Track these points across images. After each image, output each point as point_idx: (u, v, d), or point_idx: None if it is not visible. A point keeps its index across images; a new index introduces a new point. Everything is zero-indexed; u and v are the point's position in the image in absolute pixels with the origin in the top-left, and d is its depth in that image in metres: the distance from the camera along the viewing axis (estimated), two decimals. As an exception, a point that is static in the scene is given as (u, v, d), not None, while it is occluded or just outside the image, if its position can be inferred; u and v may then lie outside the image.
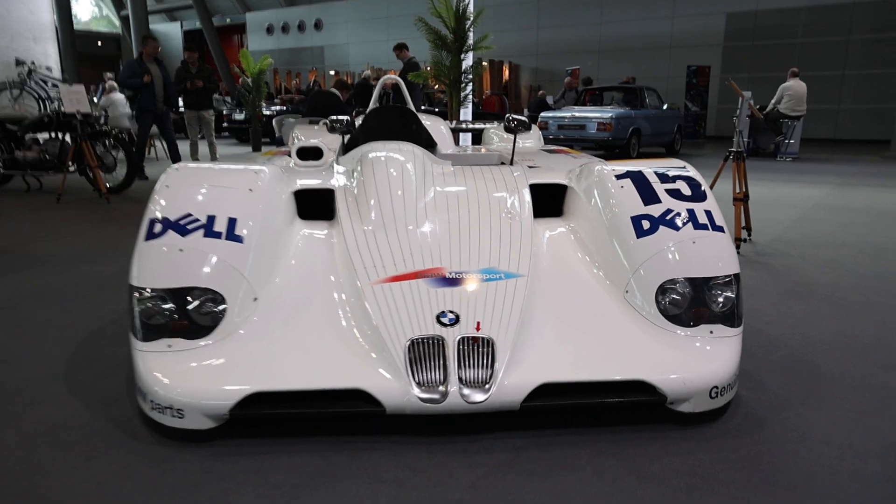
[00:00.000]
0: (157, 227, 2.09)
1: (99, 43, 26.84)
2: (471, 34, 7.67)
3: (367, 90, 9.37)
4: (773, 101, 11.15)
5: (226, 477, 1.69)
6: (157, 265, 2.01)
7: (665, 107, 12.39)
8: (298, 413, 1.83)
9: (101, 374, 2.35)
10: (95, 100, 13.53)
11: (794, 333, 2.80)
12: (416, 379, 1.82)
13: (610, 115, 10.62)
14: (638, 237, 2.20)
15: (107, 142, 6.99)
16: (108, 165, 7.01)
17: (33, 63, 8.21)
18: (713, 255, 2.14)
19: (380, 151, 2.74)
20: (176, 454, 1.79)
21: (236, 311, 2.01)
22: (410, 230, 2.36)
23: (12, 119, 7.05)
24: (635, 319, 2.09)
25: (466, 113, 8.09)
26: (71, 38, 16.80)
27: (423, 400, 1.80)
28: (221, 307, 1.98)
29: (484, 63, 7.84)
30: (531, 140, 4.30)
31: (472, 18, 7.65)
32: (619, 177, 2.42)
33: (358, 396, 1.83)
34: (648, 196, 2.31)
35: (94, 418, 2.01)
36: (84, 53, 21.28)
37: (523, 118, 3.10)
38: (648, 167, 2.46)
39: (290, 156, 3.27)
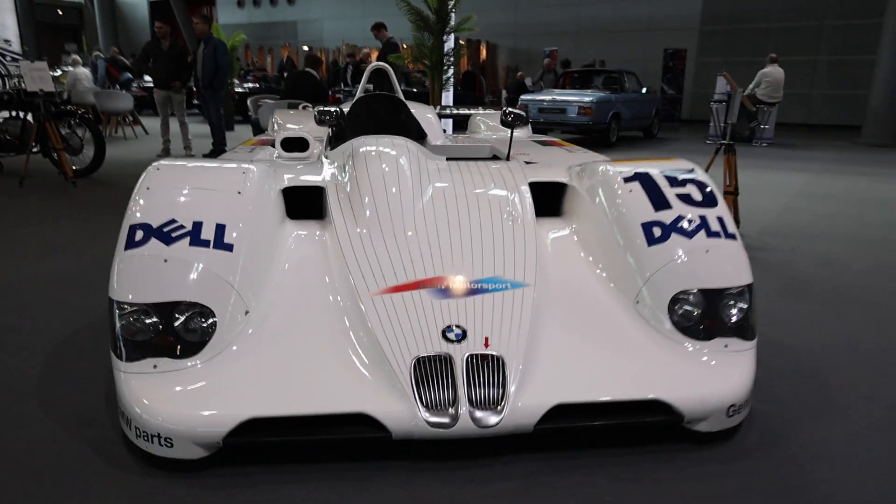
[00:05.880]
0: (139, 235, 1.91)
1: (59, 12, 25.53)
2: (453, 16, 7.45)
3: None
4: (751, 85, 11.19)
5: (221, 514, 1.56)
6: (139, 277, 1.85)
7: (644, 90, 12.33)
8: (298, 441, 1.70)
9: (75, 389, 2.18)
10: (59, 71, 12.92)
11: (795, 338, 2.75)
12: (424, 401, 1.71)
13: (590, 99, 10.49)
14: (649, 245, 2.11)
15: (72, 121, 6.64)
16: (74, 147, 6.67)
17: (-10, 37, 7.72)
18: (726, 265, 2.06)
19: (371, 146, 2.60)
20: (164, 487, 1.65)
21: (226, 326, 1.86)
22: (410, 236, 2.23)
23: (-32, 97, 6.63)
24: (648, 333, 2.01)
25: (448, 97, 7.90)
26: (30, 7, 15.98)
27: (432, 424, 1.69)
28: (210, 321, 1.84)
29: (462, 42, 7.60)
30: (520, 129, 4.19)
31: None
32: (627, 179, 2.32)
33: (362, 421, 1.72)
34: (659, 201, 2.21)
35: (70, 442, 1.85)
36: (44, 23, 20.18)
37: (520, 112, 2.99)
38: (656, 169, 2.36)
39: (273, 146, 3.17)
